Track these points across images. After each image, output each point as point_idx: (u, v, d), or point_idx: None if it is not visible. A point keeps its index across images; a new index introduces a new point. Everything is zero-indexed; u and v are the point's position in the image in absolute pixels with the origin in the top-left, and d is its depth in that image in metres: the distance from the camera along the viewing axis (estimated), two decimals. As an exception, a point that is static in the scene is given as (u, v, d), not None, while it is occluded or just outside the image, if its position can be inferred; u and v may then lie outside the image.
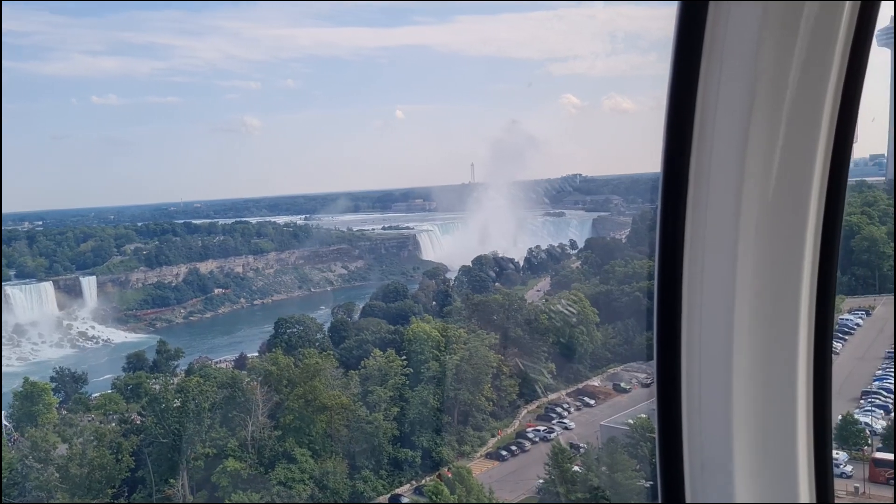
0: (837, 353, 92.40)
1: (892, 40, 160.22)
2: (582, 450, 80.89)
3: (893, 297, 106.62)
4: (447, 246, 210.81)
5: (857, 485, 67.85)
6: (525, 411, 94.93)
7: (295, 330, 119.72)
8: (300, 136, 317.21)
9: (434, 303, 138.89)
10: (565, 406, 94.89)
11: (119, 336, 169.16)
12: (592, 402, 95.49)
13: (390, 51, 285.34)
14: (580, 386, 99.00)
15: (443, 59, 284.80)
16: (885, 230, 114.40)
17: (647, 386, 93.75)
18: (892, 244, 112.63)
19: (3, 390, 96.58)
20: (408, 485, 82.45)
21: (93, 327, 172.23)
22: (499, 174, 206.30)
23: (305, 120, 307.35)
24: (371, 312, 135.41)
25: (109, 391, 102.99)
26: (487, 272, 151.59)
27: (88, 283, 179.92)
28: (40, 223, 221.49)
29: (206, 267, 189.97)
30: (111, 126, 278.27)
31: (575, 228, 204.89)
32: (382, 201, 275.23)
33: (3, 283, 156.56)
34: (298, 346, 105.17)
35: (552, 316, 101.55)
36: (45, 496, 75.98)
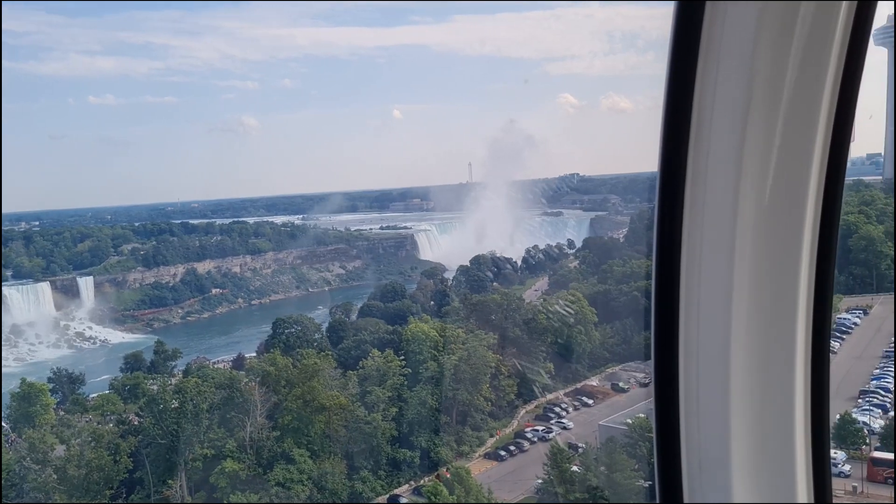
0: (835, 353, 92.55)
1: (889, 40, 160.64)
2: (580, 450, 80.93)
3: (893, 296, 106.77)
4: (445, 246, 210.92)
5: (856, 484, 67.95)
6: (523, 411, 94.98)
7: (293, 330, 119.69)
8: (298, 136, 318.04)
9: (432, 303, 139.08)
10: (564, 406, 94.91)
11: (116, 336, 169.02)
12: (591, 401, 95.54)
13: (388, 50, 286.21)
14: (578, 386, 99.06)
15: (441, 59, 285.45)
16: (882, 229, 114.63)
17: (646, 385, 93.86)
18: (890, 243, 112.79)
19: (1, 391, 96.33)
20: (406, 485, 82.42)
21: (90, 328, 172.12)
22: (497, 174, 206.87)
23: (303, 120, 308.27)
24: (369, 312, 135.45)
25: (107, 392, 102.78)
26: (485, 272, 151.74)
27: (86, 284, 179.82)
28: (37, 223, 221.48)
29: (203, 267, 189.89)
30: (108, 126, 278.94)
31: (573, 228, 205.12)
32: (380, 201, 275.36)
33: (1, 284, 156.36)
34: (296, 346, 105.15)
35: (550, 316, 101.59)
36: (43, 498, 75.85)
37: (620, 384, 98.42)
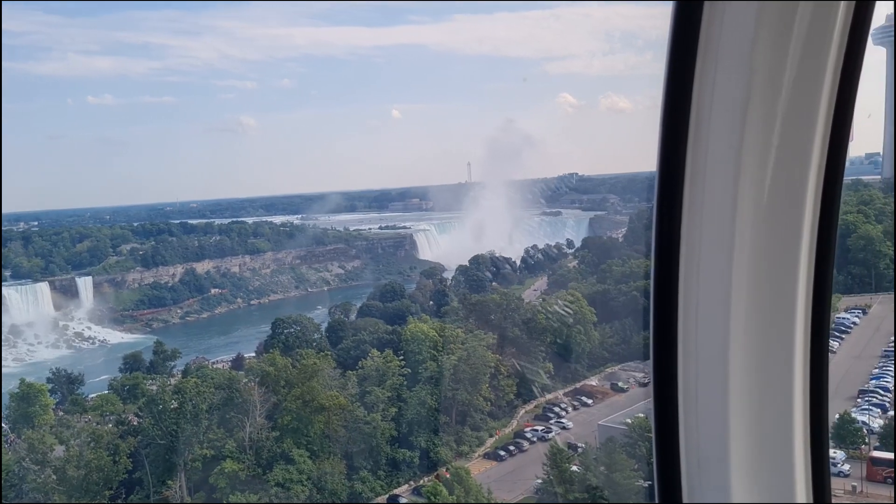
0: (834, 352, 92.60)
1: (888, 39, 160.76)
2: (580, 449, 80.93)
3: (893, 294, 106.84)
4: (444, 245, 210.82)
5: (855, 483, 67.96)
6: (523, 411, 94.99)
7: (292, 330, 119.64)
8: (296, 136, 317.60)
9: (431, 302, 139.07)
10: (563, 406, 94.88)
11: (115, 336, 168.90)
12: (590, 401, 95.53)
13: (386, 50, 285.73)
14: (578, 385, 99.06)
15: (439, 59, 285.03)
16: (881, 229, 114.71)
17: (645, 385, 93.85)
18: (888, 242, 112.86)
19: (1, 391, 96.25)
20: (406, 485, 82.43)
21: (89, 328, 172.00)
22: (495, 173, 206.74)
23: (301, 119, 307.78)
24: (368, 312, 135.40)
25: (106, 392, 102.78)
26: (484, 272, 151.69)
27: (84, 284, 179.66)
28: (36, 223, 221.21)
29: (202, 267, 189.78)
30: (107, 126, 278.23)
31: (572, 227, 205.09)
32: (379, 201, 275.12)
33: (0, 284, 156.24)
34: (296, 346, 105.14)
35: (549, 316, 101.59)
36: (42, 498, 75.80)
37: (620, 384, 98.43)
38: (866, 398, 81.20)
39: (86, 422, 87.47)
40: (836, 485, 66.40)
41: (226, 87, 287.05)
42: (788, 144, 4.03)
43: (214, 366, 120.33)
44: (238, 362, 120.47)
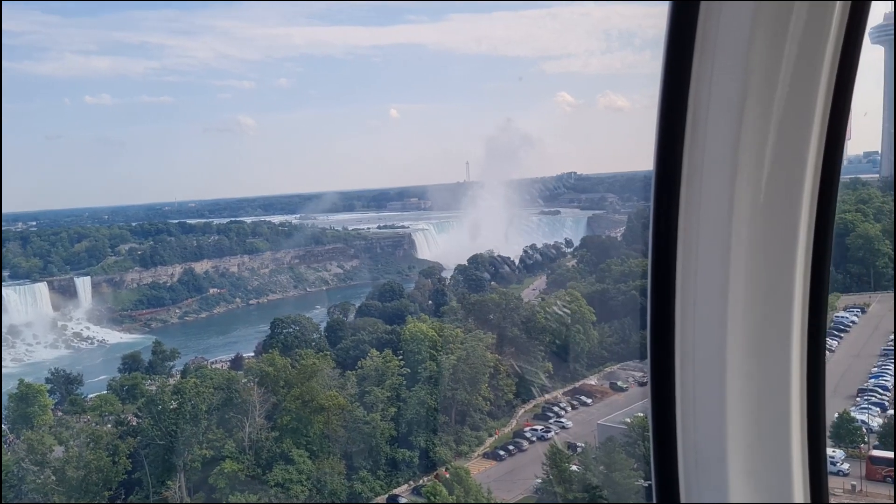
0: (833, 351, 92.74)
1: (885, 38, 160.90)
2: (579, 449, 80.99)
3: (893, 294, 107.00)
4: (443, 245, 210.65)
5: (854, 482, 68.04)
6: (522, 411, 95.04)
7: (291, 330, 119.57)
8: (295, 136, 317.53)
9: (430, 302, 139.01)
10: (562, 405, 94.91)
11: (114, 336, 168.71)
12: (589, 401, 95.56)
13: (384, 50, 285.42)
14: (577, 385, 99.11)
15: (437, 58, 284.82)
16: (879, 227, 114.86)
17: (644, 384, 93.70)
18: (887, 241, 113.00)
19: (1, 392, 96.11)
20: (405, 485, 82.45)
21: (88, 328, 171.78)
22: (494, 173, 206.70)
23: (300, 119, 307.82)
24: (367, 312, 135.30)
25: (105, 392, 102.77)
26: (483, 271, 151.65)
27: (83, 284, 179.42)
28: (34, 224, 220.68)
29: (201, 267, 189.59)
30: (105, 126, 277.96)
31: (570, 227, 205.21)
32: (377, 200, 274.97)
33: (0, 284, 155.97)
34: (295, 346, 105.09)
35: (549, 315, 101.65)
36: (42, 500, 75.74)
37: (619, 383, 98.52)
38: (865, 397, 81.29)
39: (85, 422, 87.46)
40: (836, 484, 66.55)
41: (224, 86, 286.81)
42: (785, 143, 4.04)
43: (213, 366, 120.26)
44: (237, 362, 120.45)
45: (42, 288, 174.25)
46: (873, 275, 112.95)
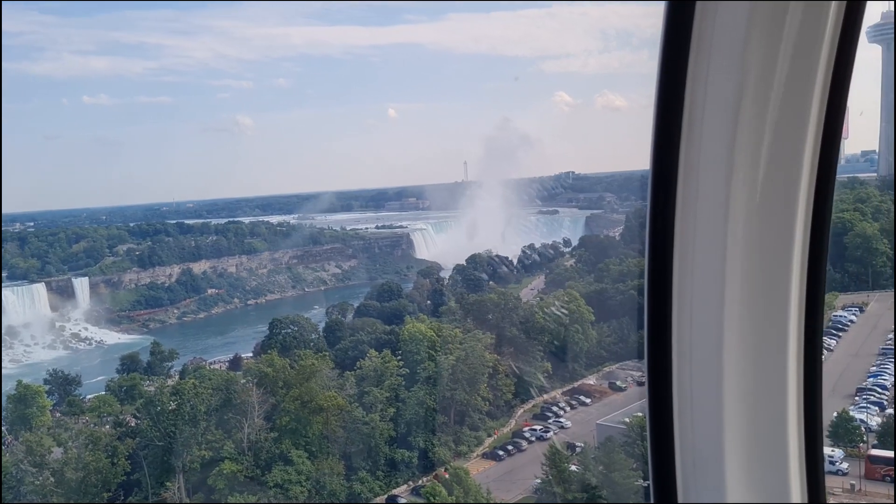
0: (832, 350, 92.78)
1: (883, 37, 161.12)
2: (578, 449, 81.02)
3: (893, 293, 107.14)
4: (441, 244, 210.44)
5: (853, 482, 68.08)
6: (521, 410, 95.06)
7: (290, 330, 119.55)
8: (293, 136, 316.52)
9: (429, 302, 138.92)
10: (561, 405, 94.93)
11: (112, 337, 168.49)
12: (588, 400, 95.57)
13: (382, 49, 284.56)
14: (576, 385, 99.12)
15: (435, 58, 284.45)
16: (877, 226, 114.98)
17: (643, 384, 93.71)
18: (884, 240, 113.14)
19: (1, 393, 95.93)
20: (405, 485, 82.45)
21: (86, 328, 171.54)
22: (492, 172, 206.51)
23: (298, 119, 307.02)
24: (366, 312, 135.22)
25: (103, 393, 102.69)
26: (481, 271, 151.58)
27: (81, 285, 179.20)
28: (32, 224, 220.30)
29: (199, 267, 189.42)
30: (103, 126, 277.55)
31: (568, 226, 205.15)
32: (376, 200, 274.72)
33: (0, 284, 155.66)
34: (293, 346, 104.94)
35: (547, 315, 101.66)
36: (41, 501, 75.66)
37: (618, 383, 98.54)
38: (864, 396, 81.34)
39: (83, 423, 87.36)
40: (835, 483, 66.62)
41: (222, 86, 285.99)
42: (781, 143, 4.07)
43: (212, 366, 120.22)
44: (235, 363, 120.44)
45: (40, 289, 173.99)
46: (871, 274, 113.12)
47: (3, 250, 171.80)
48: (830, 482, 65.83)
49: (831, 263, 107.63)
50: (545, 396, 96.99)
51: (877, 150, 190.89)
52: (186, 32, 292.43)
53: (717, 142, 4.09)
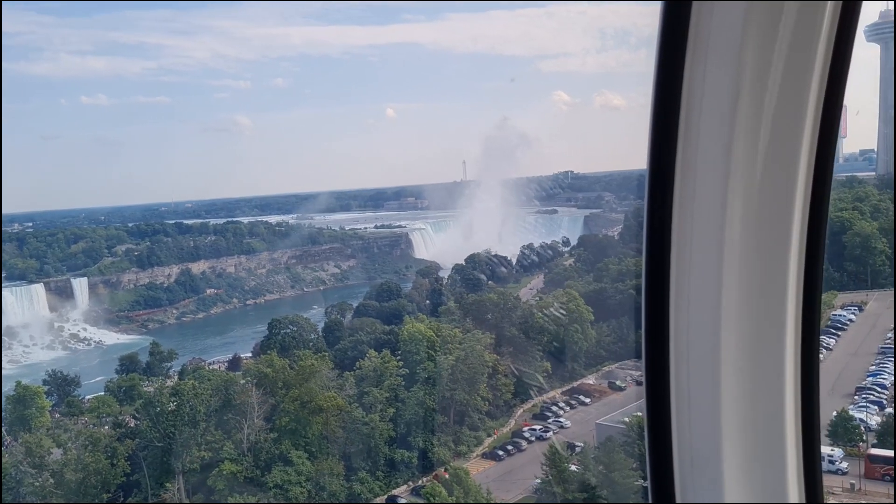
0: (831, 350, 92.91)
1: (881, 36, 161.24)
2: (578, 449, 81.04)
3: (893, 292, 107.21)
4: (440, 244, 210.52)
5: (853, 481, 68.12)
6: (521, 410, 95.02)
7: (289, 330, 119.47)
8: (291, 136, 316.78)
9: (428, 302, 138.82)
10: (561, 405, 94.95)
11: (111, 337, 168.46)
12: (588, 400, 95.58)
13: (381, 49, 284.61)
14: (575, 384, 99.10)
15: (433, 57, 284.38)
16: (876, 226, 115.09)
17: (642, 384, 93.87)
18: (883, 239, 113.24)
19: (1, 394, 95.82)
20: (405, 486, 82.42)
21: (84, 329, 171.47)
22: (491, 172, 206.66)
23: (296, 119, 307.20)
24: (365, 312, 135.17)
25: (102, 394, 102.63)
26: (480, 270, 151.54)
27: (80, 285, 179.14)
28: (30, 225, 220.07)
29: (197, 267, 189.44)
30: (101, 126, 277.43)
31: (567, 226, 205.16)
32: (374, 200, 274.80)
33: (0, 285, 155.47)
34: (292, 346, 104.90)
35: (546, 315, 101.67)
36: (40, 502, 75.60)
37: (617, 382, 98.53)
38: (863, 395, 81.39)
39: (83, 424, 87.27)
40: (835, 482, 66.66)
41: (221, 86, 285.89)
42: (777, 142, 4.08)
43: (211, 366, 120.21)
44: (235, 363, 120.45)
45: (39, 289, 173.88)
46: (870, 273, 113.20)
47: (1, 251, 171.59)
48: (830, 481, 65.90)
49: (830, 262, 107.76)
50: (545, 396, 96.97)
51: (875, 149, 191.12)
52: (185, 32, 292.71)
53: (713, 141, 4.09)
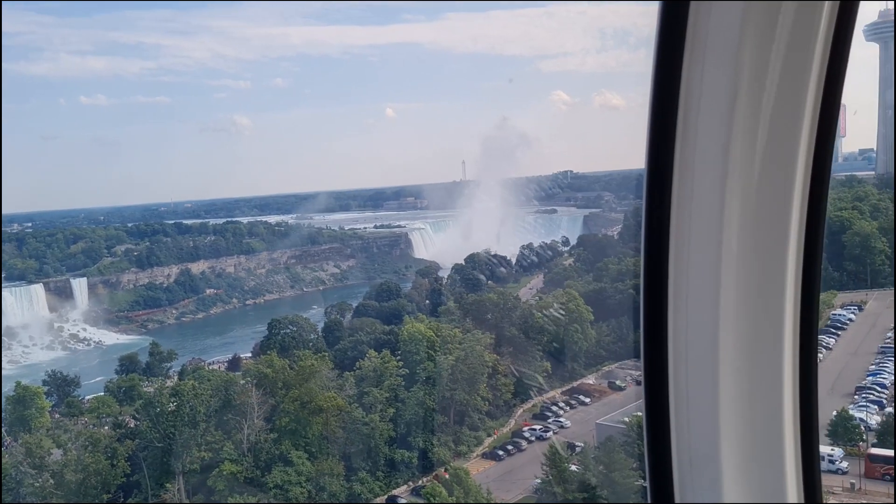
0: (830, 349, 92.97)
1: (880, 35, 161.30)
2: (578, 449, 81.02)
3: (893, 290, 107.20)
4: (439, 244, 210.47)
5: (853, 481, 68.13)
6: (521, 410, 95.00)
7: (288, 330, 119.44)
8: (291, 136, 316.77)
9: (428, 301, 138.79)
10: (561, 405, 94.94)
11: (111, 338, 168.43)
12: (588, 400, 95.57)
13: (380, 49, 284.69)
14: (575, 384, 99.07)
15: (433, 57, 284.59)
16: (875, 225, 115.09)
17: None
18: (883, 239, 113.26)
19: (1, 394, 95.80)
20: (405, 486, 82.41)
21: (84, 329, 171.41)
22: (490, 171, 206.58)
23: (296, 119, 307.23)
24: (364, 312, 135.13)
25: (102, 394, 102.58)
26: (480, 270, 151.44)
27: (79, 285, 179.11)
28: (30, 225, 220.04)
29: (197, 267, 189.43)
30: (100, 126, 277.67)
31: (566, 225, 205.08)
32: (374, 200, 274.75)
33: (0, 285, 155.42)
34: (292, 346, 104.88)
35: (546, 314, 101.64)
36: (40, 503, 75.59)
37: (617, 382, 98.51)
38: (863, 395, 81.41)
39: (82, 424, 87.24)
40: (835, 482, 66.68)
41: (220, 86, 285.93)
42: (775, 142, 4.09)
43: (210, 367, 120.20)
44: (234, 363, 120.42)
45: (38, 289, 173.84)
46: (870, 272, 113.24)
47: (1, 251, 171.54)
48: (831, 481, 65.90)
49: (830, 262, 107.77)
50: (545, 396, 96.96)
51: (874, 149, 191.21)
52: (184, 32, 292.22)
53: (711, 141, 4.10)
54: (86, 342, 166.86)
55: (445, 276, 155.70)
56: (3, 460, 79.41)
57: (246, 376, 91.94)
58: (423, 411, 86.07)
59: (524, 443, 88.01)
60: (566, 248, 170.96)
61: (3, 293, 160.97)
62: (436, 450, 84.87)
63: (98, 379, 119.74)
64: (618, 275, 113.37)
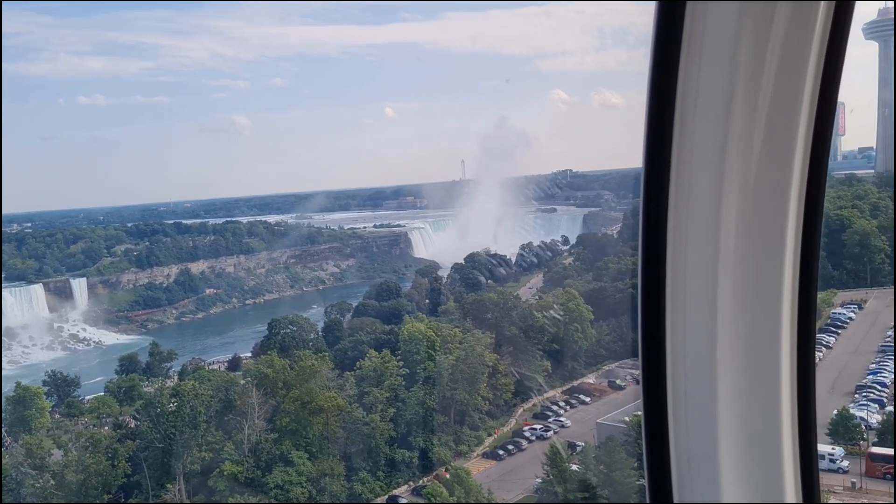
0: (830, 348, 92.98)
1: (880, 34, 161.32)
2: (579, 448, 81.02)
3: (893, 289, 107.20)
4: (439, 243, 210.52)
5: (854, 480, 68.11)
6: (521, 410, 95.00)
7: (288, 330, 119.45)
8: (290, 135, 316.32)
9: (427, 301, 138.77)
10: (561, 404, 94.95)
11: (111, 338, 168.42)
12: (588, 399, 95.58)
13: (379, 48, 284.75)
14: (575, 384, 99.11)
15: (432, 57, 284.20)
16: (875, 224, 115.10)
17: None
18: (882, 237, 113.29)
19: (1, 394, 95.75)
20: (405, 486, 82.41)
21: (84, 329, 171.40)
22: (489, 170, 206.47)
23: (295, 119, 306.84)
24: (364, 312, 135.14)
25: (102, 394, 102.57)
26: (480, 269, 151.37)
27: (79, 285, 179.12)
28: (29, 225, 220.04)
29: (197, 267, 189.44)
30: (99, 126, 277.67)
31: (566, 224, 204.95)
32: (373, 199, 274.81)
33: (0, 285, 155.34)
34: (292, 346, 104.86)
35: (546, 314, 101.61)
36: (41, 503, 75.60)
37: (617, 381, 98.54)
38: (864, 394, 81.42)
39: (83, 425, 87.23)
40: (836, 481, 66.69)
41: (219, 86, 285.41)
42: (772, 141, 4.09)
43: (211, 367, 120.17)
44: (234, 363, 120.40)
45: (38, 290, 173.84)
46: (870, 271, 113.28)
47: (1, 251, 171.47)
48: (831, 480, 65.92)
49: (830, 261, 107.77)
50: (545, 395, 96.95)
51: (874, 147, 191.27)
52: (183, 32, 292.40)
53: (708, 140, 4.10)
54: (86, 342, 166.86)
55: (445, 276, 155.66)
56: (4, 461, 79.38)
57: (246, 376, 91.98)
58: (423, 411, 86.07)
59: (525, 442, 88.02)
60: (566, 248, 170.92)
61: (2, 293, 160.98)
62: (436, 449, 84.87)
63: (98, 379, 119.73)
64: (617, 274, 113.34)
